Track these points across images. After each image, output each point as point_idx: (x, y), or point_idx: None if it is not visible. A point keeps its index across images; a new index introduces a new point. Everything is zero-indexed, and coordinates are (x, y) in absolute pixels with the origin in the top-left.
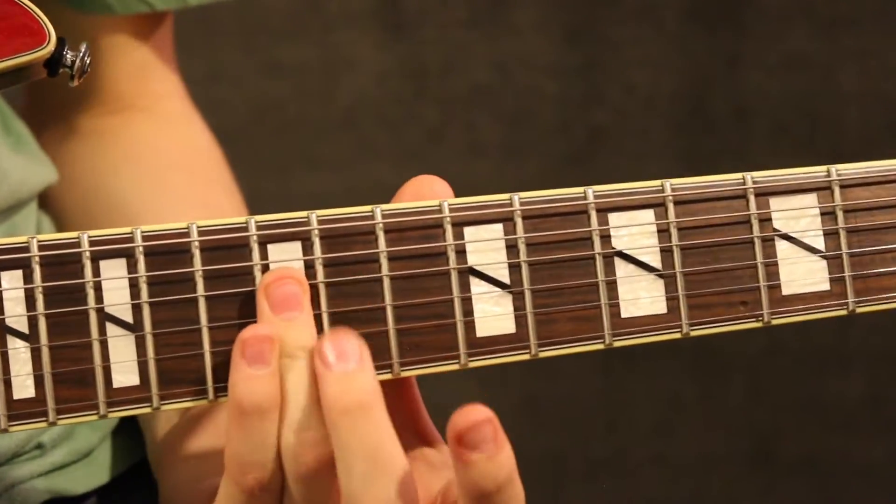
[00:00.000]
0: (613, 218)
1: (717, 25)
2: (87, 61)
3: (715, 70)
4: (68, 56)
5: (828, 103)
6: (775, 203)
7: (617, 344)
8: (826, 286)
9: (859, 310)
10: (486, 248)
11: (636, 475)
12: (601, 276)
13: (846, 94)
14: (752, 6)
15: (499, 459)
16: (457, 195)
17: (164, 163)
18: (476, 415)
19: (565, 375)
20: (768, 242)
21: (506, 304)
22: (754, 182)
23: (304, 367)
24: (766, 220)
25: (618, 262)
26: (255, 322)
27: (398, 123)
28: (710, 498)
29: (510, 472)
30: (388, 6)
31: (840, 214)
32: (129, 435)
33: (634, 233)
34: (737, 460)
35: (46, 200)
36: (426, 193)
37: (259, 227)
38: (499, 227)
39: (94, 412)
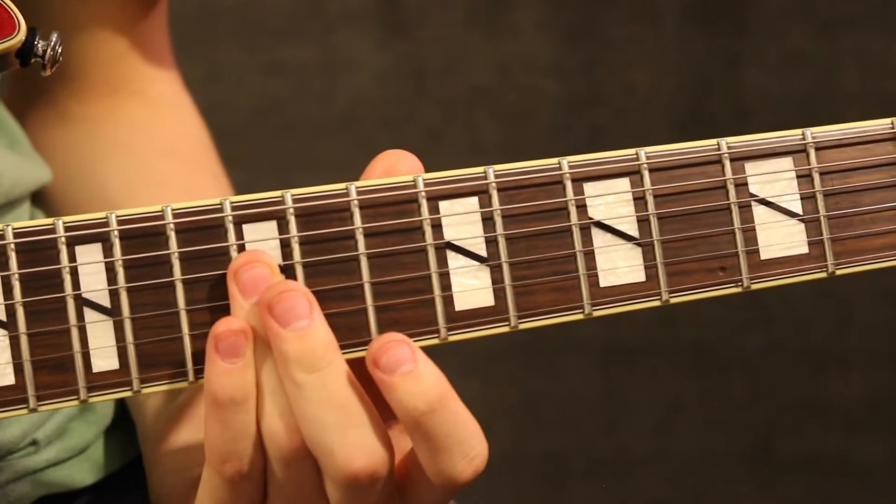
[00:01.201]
0: (589, 187)
1: (717, 25)
2: (59, 50)
3: (715, 70)
4: (39, 45)
5: (828, 103)
6: (751, 168)
7: (596, 313)
8: (805, 249)
9: (839, 272)
10: (461, 221)
11: (636, 475)
12: (578, 247)
13: (846, 94)
14: (752, 6)
15: (421, 377)
16: None
17: (151, 149)
18: (389, 337)
19: (565, 375)
20: (745, 207)
21: (484, 277)
22: (729, 147)
23: None
24: (741, 185)
25: (595, 231)
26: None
27: (398, 123)
28: (710, 497)
29: (440, 391)
30: (388, 6)
31: (816, 177)
32: (124, 431)
33: (610, 202)
34: (737, 459)
35: (39, 193)
36: (397, 168)
37: (234, 208)
38: (474, 200)
39: (75, 397)
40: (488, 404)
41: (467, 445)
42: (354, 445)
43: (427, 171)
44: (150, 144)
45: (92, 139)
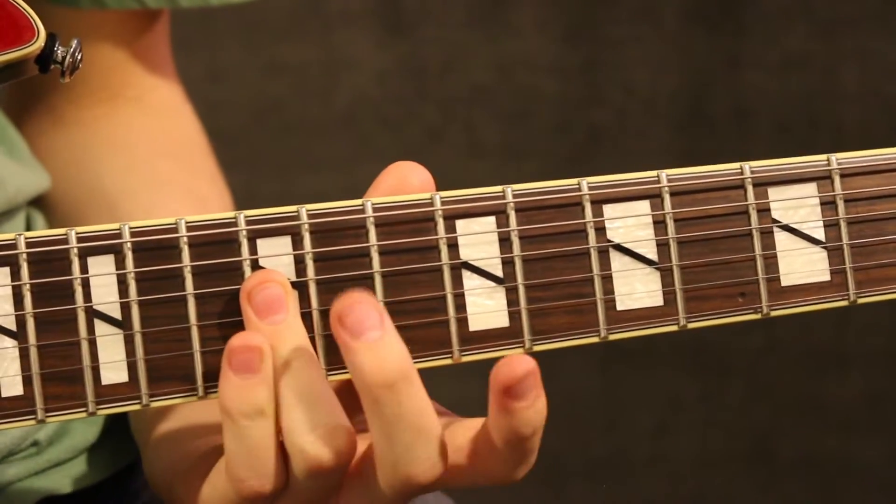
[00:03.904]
0: (608, 209)
1: (717, 25)
2: (79, 57)
3: (715, 70)
4: (59, 52)
5: (828, 103)
6: (774, 193)
7: (612, 337)
8: (826, 277)
9: (860, 300)
10: (478, 241)
11: (636, 475)
12: (596, 270)
13: (846, 94)
14: (752, 6)
15: (538, 406)
16: None
17: (149, 149)
18: (525, 366)
19: (565, 375)
20: (767, 233)
21: (499, 297)
22: (752, 172)
23: (299, 368)
24: (764, 211)
25: (613, 254)
26: (242, 320)
27: (398, 123)
28: (709, 498)
29: (544, 416)
30: (388, 6)
31: (840, 204)
32: (126, 431)
33: (630, 224)
34: (736, 460)
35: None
36: (408, 181)
37: (248, 222)
38: (491, 219)
39: (83, 410)
40: (488, 404)
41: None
42: (420, 460)
43: (428, 171)
44: (148, 145)
45: (89, 141)
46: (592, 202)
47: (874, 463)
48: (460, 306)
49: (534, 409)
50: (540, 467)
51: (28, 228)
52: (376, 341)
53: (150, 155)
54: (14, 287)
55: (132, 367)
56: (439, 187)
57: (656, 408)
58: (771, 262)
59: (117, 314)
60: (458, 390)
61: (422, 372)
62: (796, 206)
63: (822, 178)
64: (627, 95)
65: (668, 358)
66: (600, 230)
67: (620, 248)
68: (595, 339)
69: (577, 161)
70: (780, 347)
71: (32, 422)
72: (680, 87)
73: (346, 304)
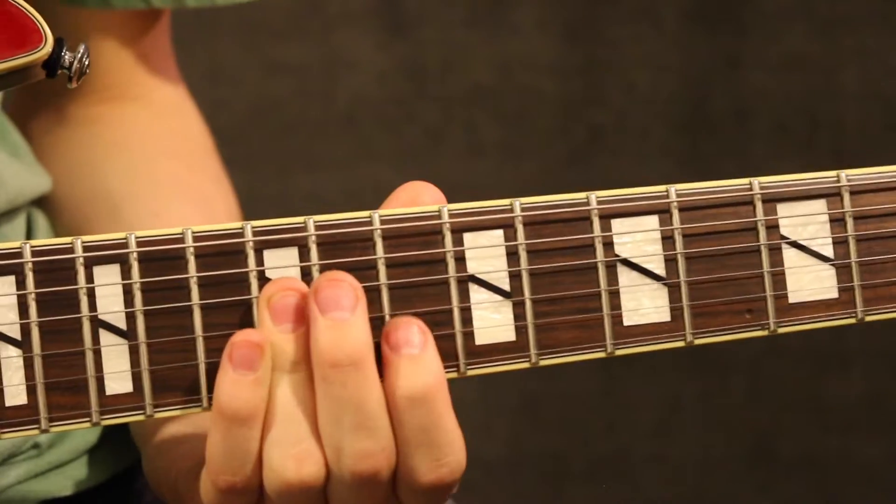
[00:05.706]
0: (616, 224)
1: (717, 25)
2: (86, 63)
3: (715, 70)
4: (66, 57)
5: (828, 103)
6: (783, 209)
7: (619, 353)
8: (834, 294)
9: (868, 318)
10: (486, 254)
11: (636, 475)
12: (603, 285)
13: (846, 94)
14: (752, 6)
15: (421, 364)
16: (456, 196)
17: (153, 150)
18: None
19: (565, 375)
20: (775, 250)
21: (506, 311)
22: (761, 188)
23: (298, 381)
24: (773, 227)
25: (621, 269)
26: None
27: (398, 123)
28: (710, 498)
29: (437, 378)
30: (388, 6)
31: (850, 221)
32: (127, 433)
33: (638, 239)
34: (737, 460)
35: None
36: (421, 200)
37: (255, 233)
38: (499, 233)
39: (87, 420)
40: (487, 404)
41: (438, 449)
42: (360, 450)
43: (427, 171)
44: (152, 145)
45: (93, 140)
46: (601, 217)
47: (874, 463)
48: (467, 320)
49: (419, 364)
50: (540, 467)
51: (29, 229)
52: (340, 321)
53: (154, 155)
54: (19, 296)
55: (137, 378)
56: (439, 187)
57: (656, 408)
58: (779, 278)
59: (122, 324)
60: (457, 389)
61: None
62: (805, 222)
63: (832, 195)
64: (627, 95)
65: (668, 358)
66: (608, 245)
67: (628, 263)
68: (602, 355)
69: (576, 161)
70: (781, 347)
71: (36, 431)
72: (680, 87)
73: (326, 279)
